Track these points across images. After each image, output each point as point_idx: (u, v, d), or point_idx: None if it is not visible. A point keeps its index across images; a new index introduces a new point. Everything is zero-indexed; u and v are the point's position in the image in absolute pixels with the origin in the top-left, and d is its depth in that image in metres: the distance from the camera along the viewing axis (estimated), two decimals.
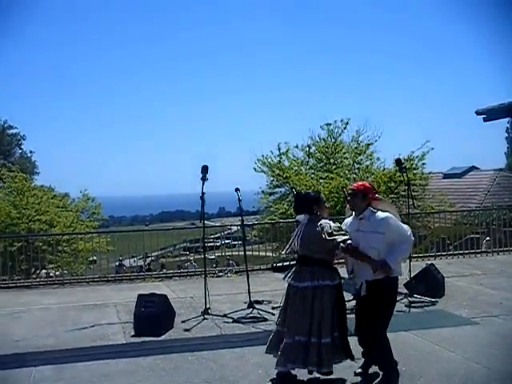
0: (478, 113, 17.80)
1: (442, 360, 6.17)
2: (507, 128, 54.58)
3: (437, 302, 8.85)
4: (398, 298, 8.78)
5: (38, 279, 14.23)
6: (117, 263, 24.30)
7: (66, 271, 18.86)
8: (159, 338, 7.40)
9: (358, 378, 5.63)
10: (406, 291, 9.12)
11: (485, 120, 18.18)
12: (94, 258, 18.12)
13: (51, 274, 16.69)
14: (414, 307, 8.59)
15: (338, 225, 5.69)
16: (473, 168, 30.15)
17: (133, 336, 7.55)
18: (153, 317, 7.64)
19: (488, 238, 16.58)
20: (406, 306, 8.62)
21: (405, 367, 5.90)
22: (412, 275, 9.30)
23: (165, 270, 19.11)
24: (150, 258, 27.15)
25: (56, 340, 7.43)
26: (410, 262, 9.57)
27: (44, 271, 18.60)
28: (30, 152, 45.10)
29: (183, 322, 8.06)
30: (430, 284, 9.27)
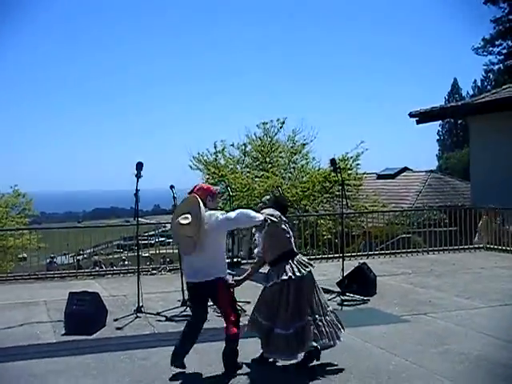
0: (411, 115, 18.29)
1: (372, 357, 6.28)
2: (439, 130, 56.24)
3: (368, 300, 9.00)
4: (330, 297, 8.99)
5: None
6: (48, 260, 23.76)
7: None
8: (91, 337, 7.27)
9: None
10: (338, 289, 9.25)
11: (418, 122, 18.70)
12: (24, 255, 17.66)
13: None
14: (346, 305, 8.73)
15: None
16: (405, 169, 30.72)
17: (63, 335, 7.41)
18: (84, 315, 7.51)
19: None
20: (338, 304, 8.74)
21: (335, 363, 5.99)
22: (344, 274, 9.44)
23: (97, 268, 18.79)
24: (82, 256, 26.66)
25: None
26: (343, 260, 9.72)
27: None
28: None
29: (115, 320, 7.95)
30: (362, 283, 9.41)
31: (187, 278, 6.06)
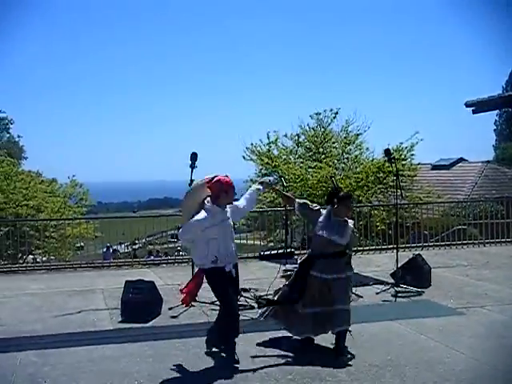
0: (467, 105, 17.88)
1: (427, 349, 6.22)
2: (496, 120, 54.88)
3: (423, 292, 8.90)
4: (384, 288, 8.93)
5: (24, 264, 14.16)
6: (104, 249, 24.24)
7: (53, 257, 18.80)
8: (146, 325, 7.40)
9: None
10: (392, 281, 9.19)
11: (474, 112, 18.26)
12: (82, 244, 18.06)
13: (38, 260, 16.64)
14: (401, 297, 8.65)
15: None
16: (461, 160, 30.22)
17: (120, 322, 7.56)
18: (140, 303, 7.65)
19: None
20: (392, 295, 8.68)
21: (390, 356, 5.96)
22: (399, 265, 9.35)
23: (152, 257, 19.03)
24: (137, 245, 27.09)
25: (42, 325, 7.42)
26: (397, 252, 9.62)
27: (31, 256, 18.53)
28: (18, 136, 44.51)
29: (170, 309, 8.06)
30: (416, 274, 9.31)
31: None
